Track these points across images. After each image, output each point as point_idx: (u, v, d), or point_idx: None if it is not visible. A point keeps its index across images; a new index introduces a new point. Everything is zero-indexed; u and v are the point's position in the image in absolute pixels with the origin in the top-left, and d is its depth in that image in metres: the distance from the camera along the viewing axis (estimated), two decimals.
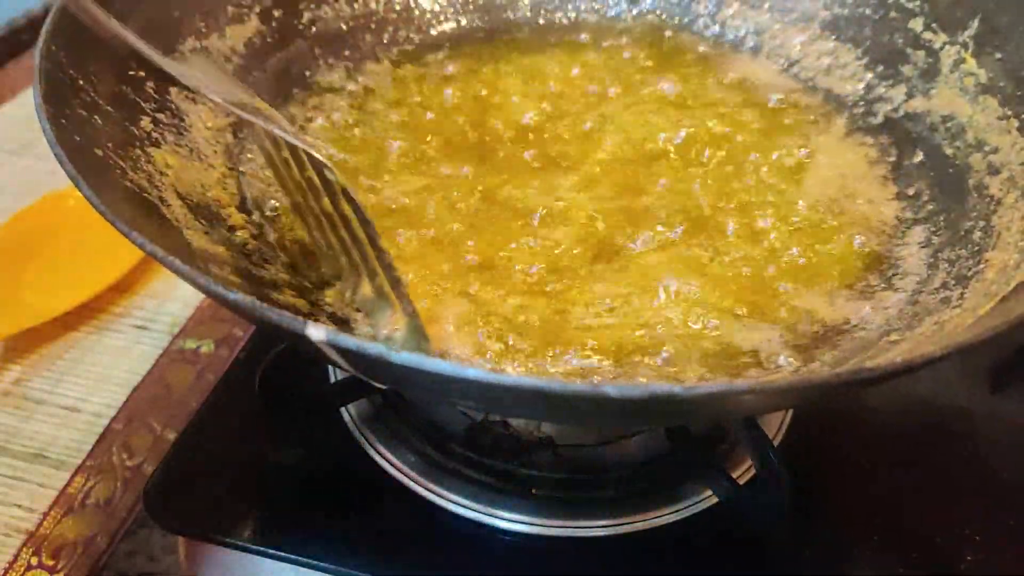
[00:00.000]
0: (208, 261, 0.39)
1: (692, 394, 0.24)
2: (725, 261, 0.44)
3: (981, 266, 0.39)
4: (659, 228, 0.46)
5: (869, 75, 0.55)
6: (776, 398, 0.31)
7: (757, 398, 0.27)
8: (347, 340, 0.25)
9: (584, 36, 0.64)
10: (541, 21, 0.65)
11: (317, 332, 0.25)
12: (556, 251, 0.44)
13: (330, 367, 0.51)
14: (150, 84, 0.44)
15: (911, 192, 0.48)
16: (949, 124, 0.49)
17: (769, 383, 0.25)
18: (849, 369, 0.34)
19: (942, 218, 0.45)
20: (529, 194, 0.48)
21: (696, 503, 0.45)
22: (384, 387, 0.46)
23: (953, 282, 0.40)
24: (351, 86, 0.57)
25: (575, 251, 0.44)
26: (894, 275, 0.43)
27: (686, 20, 0.64)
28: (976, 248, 0.41)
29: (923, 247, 0.44)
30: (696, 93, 0.57)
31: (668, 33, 0.63)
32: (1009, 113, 0.45)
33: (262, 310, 0.26)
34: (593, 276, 0.43)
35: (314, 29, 0.58)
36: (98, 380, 0.59)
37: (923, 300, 0.40)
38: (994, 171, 0.44)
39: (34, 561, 0.48)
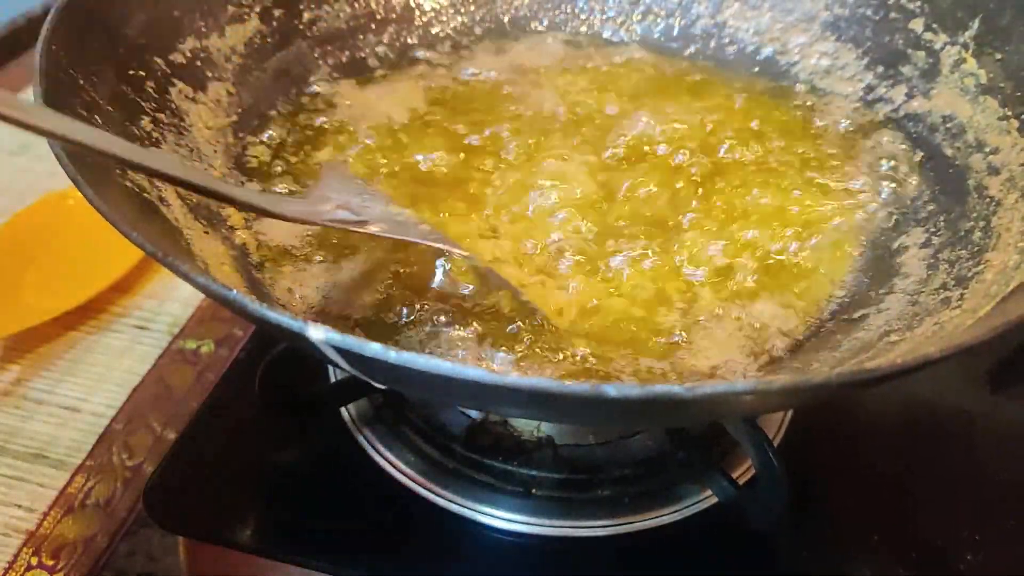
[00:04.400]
0: (207, 261, 0.39)
1: (692, 395, 0.24)
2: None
3: (981, 267, 0.39)
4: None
5: (869, 76, 0.55)
6: (776, 399, 0.31)
7: (757, 399, 0.27)
8: (346, 339, 0.25)
9: (583, 36, 0.64)
10: (540, 21, 0.65)
11: (316, 332, 0.25)
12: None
13: (330, 367, 0.51)
14: (150, 84, 0.44)
15: (911, 193, 0.48)
16: (949, 124, 0.49)
17: (769, 384, 0.24)
18: (848, 370, 0.34)
19: (942, 219, 0.45)
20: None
21: (696, 503, 0.45)
22: (384, 387, 0.46)
23: (953, 283, 0.40)
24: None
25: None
26: (894, 276, 0.43)
27: (686, 21, 0.64)
28: (976, 249, 0.41)
29: (923, 248, 0.44)
30: (694, 93, 0.57)
31: (667, 34, 0.64)
32: (1009, 113, 0.45)
33: (261, 309, 0.26)
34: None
35: (314, 29, 0.58)
36: (98, 380, 0.59)
37: (923, 301, 0.40)
38: (994, 172, 0.44)
39: (34, 561, 0.48)
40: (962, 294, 0.39)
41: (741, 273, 0.44)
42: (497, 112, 0.56)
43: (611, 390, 0.23)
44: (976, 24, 0.49)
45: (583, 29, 0.65)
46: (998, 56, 0.47)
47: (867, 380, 0.26)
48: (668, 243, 0.45)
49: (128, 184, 0.38)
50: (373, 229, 0.39)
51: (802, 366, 0.39)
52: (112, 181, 0.36)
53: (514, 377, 0.24)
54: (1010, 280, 0.36)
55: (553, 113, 0.55)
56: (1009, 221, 0.41)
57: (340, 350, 0.25)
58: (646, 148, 0.52)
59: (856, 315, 0.41)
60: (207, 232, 0.41)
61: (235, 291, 0.27)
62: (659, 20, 0.64)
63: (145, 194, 0.38)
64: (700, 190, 0.49)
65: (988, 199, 0.43)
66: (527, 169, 0.50)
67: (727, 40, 0.62)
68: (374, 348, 0.24)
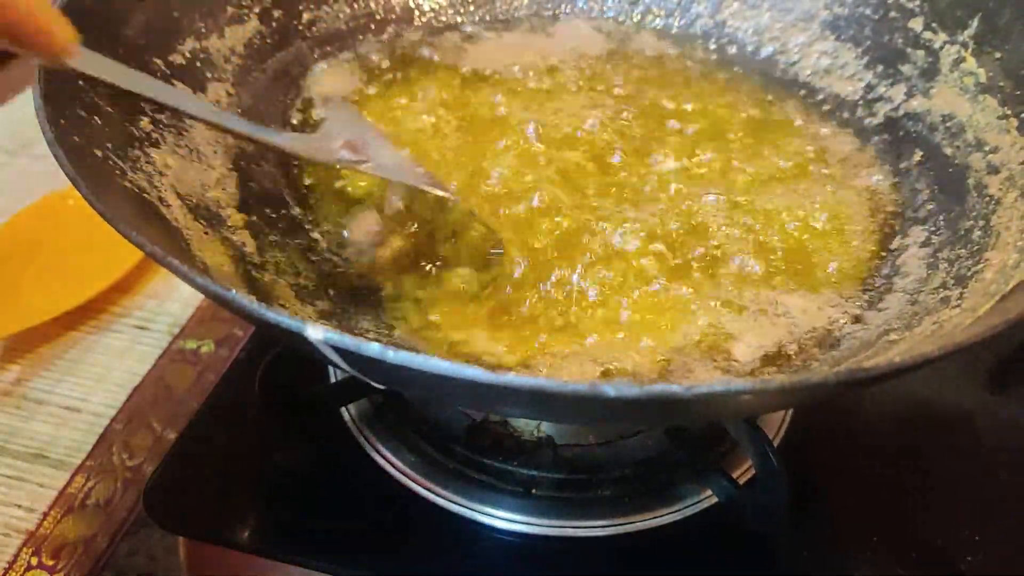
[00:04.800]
0: (207, 261, 0.39)
1: (691, 394, 0.24)
2: (721, 259, 0.44)
3: (980, 266, 0.39)
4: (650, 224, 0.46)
5: (869, 75, 0.55)
6: (775, 398, 0.31)
7: (756, 398, 0.27)
8: (345, 340, 0.25)
9: (583, 35, 0.64)
10: (541, 20, 0.65)
11: (315, 332, 0.25)
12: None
13: (330, 367, 0.51)
14: None
15: (910, 192, 0.48)
16: (949, 123, 0.49)
17: (768, 383, 0.24)
18: (848, 369, 0.34)
19: (941, 218, 0.45)
20: None
21: (696, 503, 0.45)
22: (383, 387, 0.46)
23: (952, 282, 0.40)
24: None
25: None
26: (894, 275, 0.43)
27: (686, 20, 0.63)
28: (975, 248, 0.41)
29: (923, 247, 0.44)
30: (695, 94, 0.57)
31: (667, 34, 0.63)
32: (1008, 112, 0.45)
33: (260, 310, 0.26)
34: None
35: (314, 30, 0.58)
36: (98, 380, 0.59)
37: (922, 300, 0.40)
38: (993, 170, 0.44)
39: (34, 561, 0.48)
40: (961, 293, 0.39)
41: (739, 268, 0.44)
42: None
43: (609, 390, 0.23)
44: (975, 23, 0.49)
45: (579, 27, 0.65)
46: (997, 55, 0.47)
47: (865, 379, 0.26)
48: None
49: (127, 185, 0.38)
50: (370, 168, 0.43)
51: (801, 365, 0.39)
52: (111, 182, 0.36)
53: (512, 377, 0.24)
54: (1009, 279, 0.36)
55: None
56: (1008, 220, 0.41)
57: (339, 350, 0.25)
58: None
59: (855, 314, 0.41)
60: (207, 233, 0.41)
61: (234, 291, 0.27)
62: (658, 19, 0.64)
63: (145, 195, 0.38)
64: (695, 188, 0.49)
65: (987, 198, 0.43)
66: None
67: (726, 40, 0.62)
68: (373, 348, 0.24)
